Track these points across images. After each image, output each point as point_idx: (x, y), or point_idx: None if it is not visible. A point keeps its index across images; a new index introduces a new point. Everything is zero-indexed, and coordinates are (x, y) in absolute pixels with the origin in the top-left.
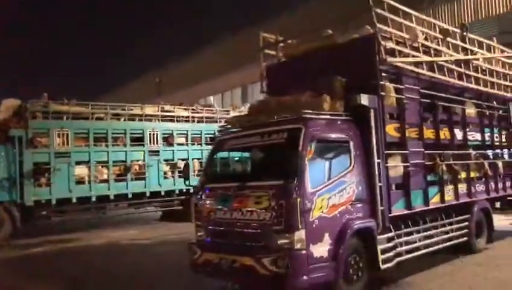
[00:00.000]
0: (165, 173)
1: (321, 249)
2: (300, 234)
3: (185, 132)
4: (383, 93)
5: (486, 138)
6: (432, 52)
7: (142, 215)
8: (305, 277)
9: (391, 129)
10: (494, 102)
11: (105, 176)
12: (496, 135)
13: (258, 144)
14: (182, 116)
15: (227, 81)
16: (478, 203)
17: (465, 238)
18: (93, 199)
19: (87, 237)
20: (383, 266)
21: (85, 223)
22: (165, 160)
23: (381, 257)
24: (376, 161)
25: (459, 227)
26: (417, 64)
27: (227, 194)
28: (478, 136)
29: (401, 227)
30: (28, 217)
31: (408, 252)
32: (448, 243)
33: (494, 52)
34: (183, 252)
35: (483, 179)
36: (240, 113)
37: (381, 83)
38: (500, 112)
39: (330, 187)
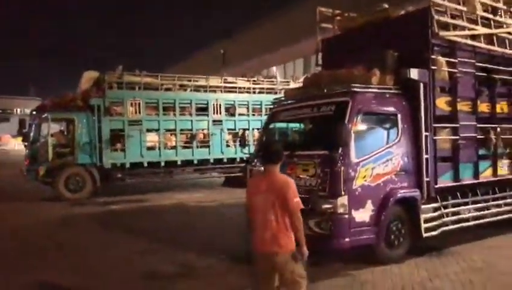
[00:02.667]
0: (227, 141)
1: (363, 215)
2: (343, 199)
3: (246, 103)
4: (434, 67)
5: None
6: (492, 24)
7: (206, 180)
8: (346, 239)
9: (441, 103)
10: None
11: (173, 143)
12: None
13: (309, 115)
14: (244, 88)
15: (289, 52)
16: None
17: None
18: (162, 163)
19: (158, 198)
20: (425, 235)
21: (155, 186)
22: (227, 129)
23: (424, 225)
24: (424, 133)
25: (509, 202)
26: (474, 37)
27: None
28: None
29: (448, 198)
30: (106, 179)
31: (454, 223)
32: (500, 217)
33: None
34: (240, 213)
35: None
36: (298, 85)
37: (433, 57)
38: None
39: (375, 158)
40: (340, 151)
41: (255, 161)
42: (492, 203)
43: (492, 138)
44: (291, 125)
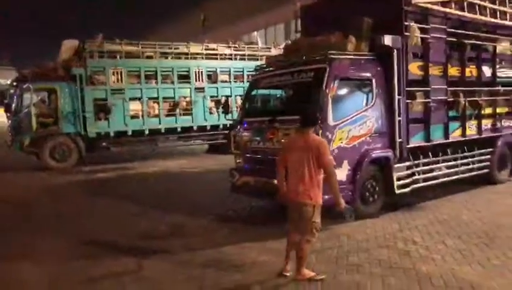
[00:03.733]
0: (210, 108)
1: (340, 174)
2: None
3: (228, 70)
4: (407, 34)
5: None
6: None
7: (190, 147)
8: (326, 197)
9: (414, 67)
10: None
11: (156, 112)
12: None
13: (289, 82)
14: (225, 54)
15: (270, 17)
16: (503, 137)
17: (486, 170)
18: (146, 132)
19: (143, 165)
20: (398, 191)
21: (141, 154)
22: (210, 97)
23: (396, 183)
24: (397, 97)
25: (480, 159)
26: (445, 4)
27: (261, 127)
28: (510, 73)
29: (420, 157)
30: (91, 148)
31: (426, 180)
32: (468, 174)
33: None
34: (223, 178)
35: (510, 115)
36: (279, 52)
37: (406, 23)
38: None
39: (351, 121)
40: (318, 115)
41: (238, 127)
42: (462, 161)
43: (461, 100)
44: (273, 91)
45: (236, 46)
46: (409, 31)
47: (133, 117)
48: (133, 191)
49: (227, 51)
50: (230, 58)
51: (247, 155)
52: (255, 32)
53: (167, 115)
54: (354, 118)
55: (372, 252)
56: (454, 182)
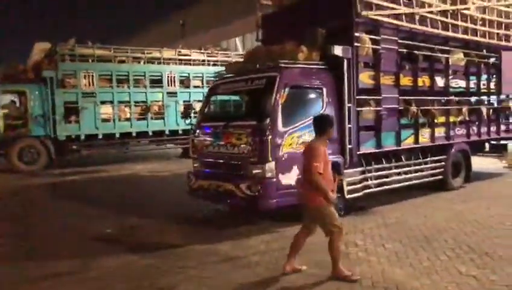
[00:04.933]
0: (182, 113)
1: (289, 178)
2: (271, 165)
3: (201, 75)
4: (357, 44)
5: (472, 85)
6: (415, 3)
7: (165, 151)
8: (274, 200)
9: (365, 77)
10: (484, 50)
11: (127, 115)
12: (483, 82)
13: (244, 88)
14: (198, 60)
15: (246, 24)
16: (456, 145)
17: (440, 177)
18: (117, 135)
19: (113, 168)
20: (348, 196)
21: (112, 157)
22: (183, 101)
23: (347, 188)
24: (347, 105)
25: (434, 166)
26: (397, 16)
27: (216, 132)
28: (463, 83)
29: (372, 163)
30: (62, 151)
31: (379, 185)
32: (421, 181)
33: (490, 1)
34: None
35: (464, 124)
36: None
37: (356, 34)
38: (493, 59)
39: (301, 127)
40: (268, 121)
41: (198, 131)
42: (415, 168)
43: (413, 109)
44: (230, 97)
45: (210, 52)
46: (360, 41)
47: (104, 120)
48: (98, 194)
49: (201, 57)
50: (203, 64)
51: (203, 159)
52: (236, 38)
53: (139, 119)
54: (304, 125)
55: (314, 255)
56: (411, 188)
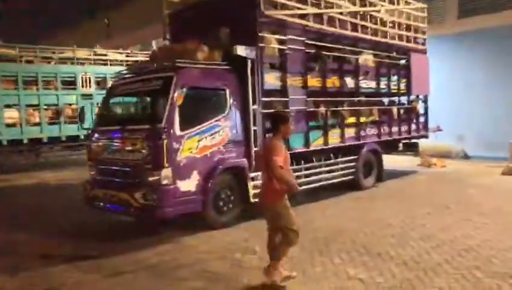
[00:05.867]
0: None
1: (189, 185)
2: (167, 171)
3: None
4: (262, 44)
5: (383, 86)
6: (323, 4)
7: (81, 158)
8: (171, 208)
9: (271, 78)
10: (395, 52)
11: (37, 119)
12: (394, 83)
13: (141, 90)
14: (116, 60)
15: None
16: (367, 145)
17: (351, 177)
18: (25, 141)
19: (20, 177)
20: (253, 200)
21: (23, 165)
22: (98, 103)
23: (252, 191)
24: (251, 107)
25: (346, 166)
26: (304, 16)
27: (111, 136)
28: (373, 84)
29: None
30: None
31: None
32: (332, 181)
33: (398, 4)
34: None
35: (375, 124)
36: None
37: (260, 34)
38: (403, 61)
39: (201, 130)
40: (163, 124)
41: (95, 135)
42: (326, 168)
43: (322, 110)
44: (128, 99)
45: (129, 52)
46: (265, 41)
47: (9, 125)
48: None
49: (119, 57)
50: (122, 64)
51: (99, 166)
52: (153, 41)
53: (50, 123)
54: (205, 128)
55: (207, 265)
56: (325, 188)
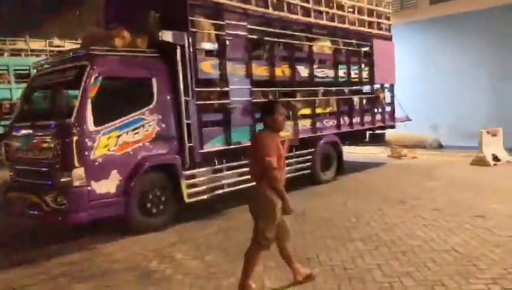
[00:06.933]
0: None
1: (107, 186)
2: (79, 171)
3: None
4: (194, 30)
5: (342, 75)
6: None
7: None
8: (85, 213)
9: (207, 66)
10: (355, 39)
11: None
12: (355, 72)
13: (56, 81)
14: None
15: None
16: (325, 137)
17: (308, 171)
18: None
19: None
20: (188, 200)
21: None
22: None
23: (187, 191)
24: (183, 98)
25: (301, 160)
26: None
27: (25, 134)
28: (331, 73)
29: (222, 162)
30: None
31: (232, 185)
32: (286, 176)
33: None
34: None
35: (333, 115)
36: None
37: (191, 18)
38: (365, 48)
39: (121, 125)
40: (72, 119)
41: (12, 132)
42: None
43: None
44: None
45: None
46: (198, 26)
47: None
48: None
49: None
50: None
51: (16, 166)
52: None
53: (2, 119)
54: (125, 122)
55: (117, 275)
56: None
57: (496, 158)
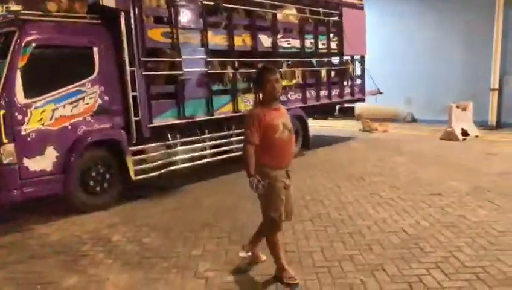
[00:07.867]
0: None
1: (42, 163)
2: (9, 147)
3: None
4: None
5: (308, 45)
6: None
7: None
8: (16, 191)
9: (156, 34)
10: (322, 7)
11: None
12: (323, 42)
13: None
14: None
15: None
16: (290, 111)
17: None
18: None
19: None
20: (135, 177)
21: None
22: None
23: (134, 168)
24: (129, 69)
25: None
26: None
27: None
28: (297, 43)
29: (176, 137)
30: None
31: (186, 161)
32: (236, 154)
33: None
34: None
35: (299, 88)
36: None
37: None
38: (335, 18)
39: (57, 98)
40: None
41: None
42: (236, 138)
43: (228, 72)
44: None
45: None
46: None
47: None
48: None
49: None
50: None
51: None
52: None
53: None
54: (62, 94)
55: (43, 261)
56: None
57: (465, 133)
